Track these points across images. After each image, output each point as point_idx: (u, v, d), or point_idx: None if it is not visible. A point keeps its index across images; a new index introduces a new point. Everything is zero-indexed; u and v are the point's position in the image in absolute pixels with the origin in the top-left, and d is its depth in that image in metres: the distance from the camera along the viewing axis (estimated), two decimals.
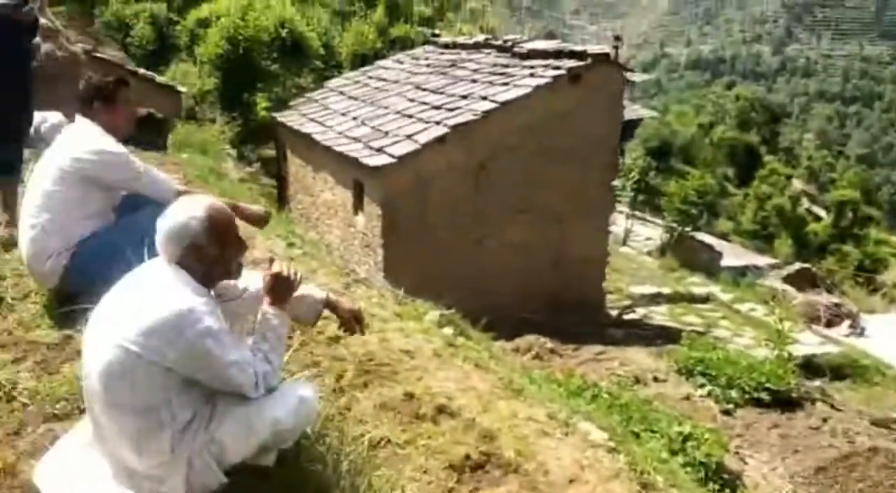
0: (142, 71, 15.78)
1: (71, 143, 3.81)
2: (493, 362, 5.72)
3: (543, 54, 10.99)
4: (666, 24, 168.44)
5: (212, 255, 2.43)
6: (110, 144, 3.82)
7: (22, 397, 2.96)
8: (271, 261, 2.68)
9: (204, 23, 22.17)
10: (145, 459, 2.31)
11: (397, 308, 6.47)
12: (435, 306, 6.90)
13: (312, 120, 12.49)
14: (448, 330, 6.43)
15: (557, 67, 10.21)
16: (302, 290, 2.84)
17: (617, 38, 16.86)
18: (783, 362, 8.13)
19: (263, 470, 2.56)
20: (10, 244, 4.63)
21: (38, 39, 11.56)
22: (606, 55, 10.34)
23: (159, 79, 16.06)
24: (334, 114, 12.40)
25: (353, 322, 2.97)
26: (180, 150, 12.97)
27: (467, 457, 3.88)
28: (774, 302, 12.63)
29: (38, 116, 9.09)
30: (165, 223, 2.47)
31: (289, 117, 13.44)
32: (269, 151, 16.11)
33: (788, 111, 79.80)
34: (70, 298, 3.83)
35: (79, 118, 3.95)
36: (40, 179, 3.81)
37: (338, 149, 10.47)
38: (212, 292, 2.51)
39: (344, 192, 10.87)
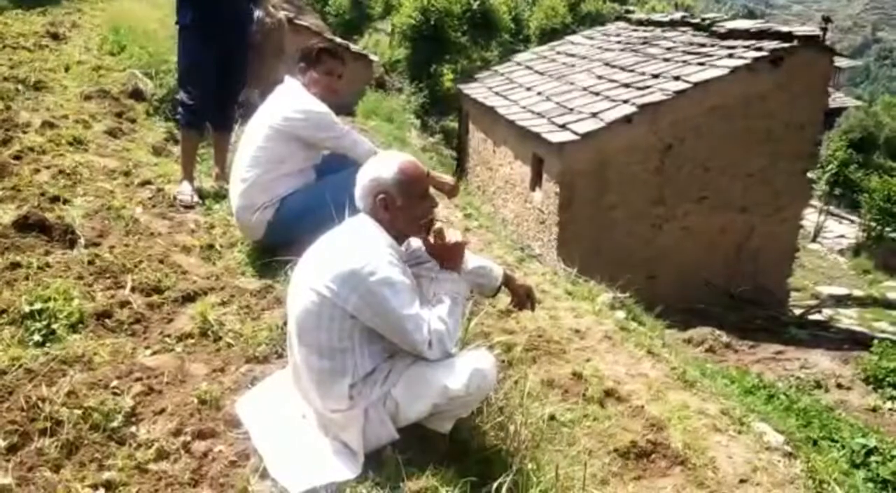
0: (338, 39, 16.42)
1: (280, 102, 4.02)
2: (665, 351, 5.55)
3: (745, 34, 10.40)
4: (881, 5, 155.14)
5: (399, 206, 2.51)
6: (316, 103, 3.99)
7: (227, 337, 3.15)
8: (438, 231, 2.68)
9: None
10: (328, 402, 2.45)
11: (570, 287, 6.41)
12: (608, 288, 6.78)
13: (497, 93, 12.51)
14: (620, 314, 6.30)
15: (759, 48, 9.64)
16: (481, 261, 2.94)
17: (826, 20, 15.74)
18: None
19: (439, 435, 2.60)
20: (221, 196, 5.01)
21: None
22: (814, 37, 9.63)
23: (353, 47, 16.66)
24: (519, 88, 12.36)
25: (525, 299, 3.02)
26: (368, 117, 13.45)
27: (633, 444, 3.80)
28: None
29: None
30: (361, 175, 2.60)
31: (474, 89, 13.52)
32: (452, 123, 16.37)
33: None
34: (271, 249, 4.09)
35: (288, 78, 4.15)
36: (252, 136, 4.06)
37: (520, 123, 10.43)
38: (403, 248, 2.59)
39: (523, 167, 10.85)
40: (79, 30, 10.31)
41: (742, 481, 3.88)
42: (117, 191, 4.64)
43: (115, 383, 2.69)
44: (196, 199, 4.84)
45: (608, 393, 4.31)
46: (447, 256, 2.68)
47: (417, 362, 2.47)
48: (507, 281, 2.98)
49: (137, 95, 6.93)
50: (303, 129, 3.94)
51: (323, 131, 3.98)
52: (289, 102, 3.97)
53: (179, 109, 5.24)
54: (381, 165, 2.57)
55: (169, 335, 3.10)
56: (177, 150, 5.48)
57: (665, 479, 3.71)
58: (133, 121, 6.42)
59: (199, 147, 5.36)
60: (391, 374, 2.47)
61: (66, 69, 7.53)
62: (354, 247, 2.45)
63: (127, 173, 5.02)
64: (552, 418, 3.64)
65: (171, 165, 5.39)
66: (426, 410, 2.45)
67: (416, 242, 2.77)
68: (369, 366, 2.46)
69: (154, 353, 2.99)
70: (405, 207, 2.53)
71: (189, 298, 3.42)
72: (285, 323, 3.10)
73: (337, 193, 3.69)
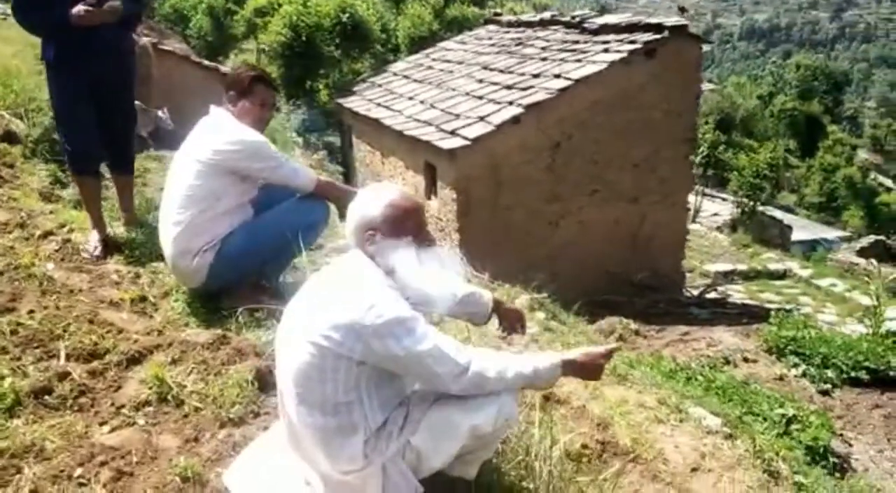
0: (206, 62, 15.90)
1: (209, 134, 3.74)
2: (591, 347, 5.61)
3: (616, 29, 10.71)
4: None
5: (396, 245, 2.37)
6: (250, 133, 3.75)
7: (192, 400, 2.89)
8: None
9: (262, 12, 22.33)
10: (339, 463, 2.25)
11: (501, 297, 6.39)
12: (524, 290, 6.80)
13: (379, 105, 12.42)
14: (541, 314, 6.33)
15: (633, 41, 9.94)
16: (471, 288, 2.81)
17: (682, 10, 16.45)
18: (881, 339, 7.83)
19: (463, 483, 2.48)
20: (138, 242, 4.70)
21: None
22: (684, 27, 10.02)
23: (223, 69, 16.18)
24: (401, 98, 12.30)
25: (516, 324, 2.93)
26: None
27: (584, 446, 3.77)
28: (869, 276, 12.14)
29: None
30: (351, 210, 2.44)
31: (354, 103, 13.38)
32: (334, 138, 16.16)
33: (850, 79, 77.33)
34: (212, 295, 3.80)
35: (213, 109, 3.89)
36: (179, 173, 3.76)
37: (409, 133, 10.37)
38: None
39: (415, 176, 10.79)
40: None
41: (694, 469, 3.93)
42: (18, 246, 4.22)
43: (78, 471, 2.39)
44: (100, 250, 4.45)
45: (547, 397, 4.27)
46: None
47: (436, 405, 2.31)
48: (497, 307, 2.88)
49: (11, 137, 6.39)
50: (239, 160, 3.68)
51: (261, 161, 3.73)
52: (220, 133, 3.71)
53: (65, 156, 4.83)
54: (369, 199, 2.41)
55: (123, 406, 2.80)
56: (66, 193, 5.12)
57: (621, 479, 3.70)
58: (11, 166, 5.91)
59: (100, 191, 4.93)
60: (407, 422, 2.30)
61: None
62: (351, 288, 2.26)
63: (23, 225, 4.56)
64: None
65: (68, 212, 4.99)
66: (452, 454, 2.29)
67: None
68: (380, 417, 2.29)
69: (113, 429, 2.69)
70: (391, 240, 2.38)
71: (134, 360, 3.11)
72: (255, 378, 2.88)
73: (281, 227, 3.50)
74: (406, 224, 2.39)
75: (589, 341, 6.03)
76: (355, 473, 2.25)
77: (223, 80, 12.71)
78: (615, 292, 10.13)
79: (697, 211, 19.77)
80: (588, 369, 2.47)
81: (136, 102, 10.37)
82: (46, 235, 4.56)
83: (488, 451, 2.45)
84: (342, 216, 3.04)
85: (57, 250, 4.27)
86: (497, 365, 2.32)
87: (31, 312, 3.44)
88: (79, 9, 4.22)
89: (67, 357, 3.14)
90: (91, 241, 4.51)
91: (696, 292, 11.56)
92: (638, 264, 10.46)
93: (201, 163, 3.65)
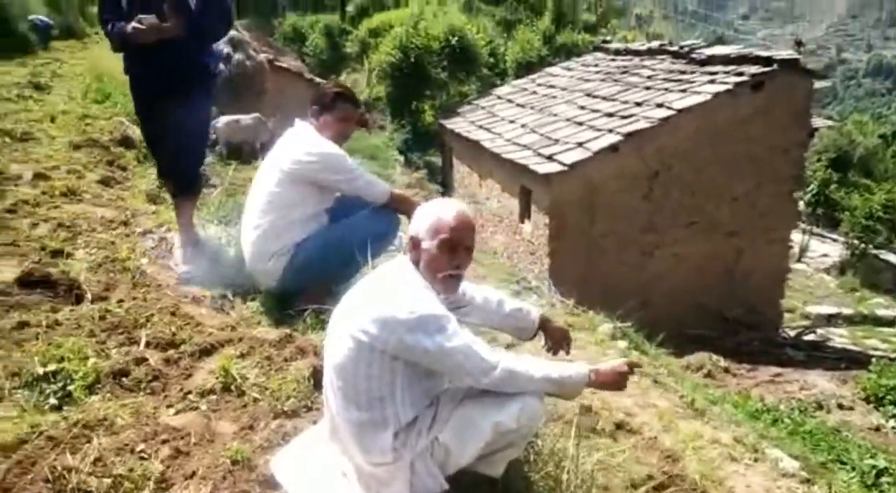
0: (317, 79, 16.50)
1: (291, 145, 3.96)
2: (671, 380, 5.52)
3: (724, 60, 10.54)
4: (844, 28, 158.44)
5: (424, 249, 2.48)
6: (330, 145, 3.95)
7: (252, 392, 3.05)
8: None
9: (375, 33, 22.96)
10: (370, 456, 2.36)
11: (569, 318, 6.38)
12: (608, 317, 6.76)
13: (480, 127, 12.58)
14: (622, 343, 6.27)
15: (740, 74, 9.76)
16: (518, 304, 2.93)
17: (798, 44, 16.00)
18: None
19: (491, 481, 2.55)
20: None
21: (228, 49, 12.29)
22: (794, 61, 9.78)
23: None
24: (502, 121, 12.43)
25: (561, 342, 3.01)
26: (351, 155, 13.45)
27: (650, 477, 3.73)
28: None
29: (227, 118, 9.70)
30: (412, 221, 2.58)
31: (456, 124, 13.59)
32: (435, 158, 16.41)
33: None
34: (286, 296, 4.01)
35: (298, 122, 4.11)
36: (262, 180, 4.00)
37: (506, 156, 10.48)
38: (441, 296, 2.53)
39: (511, 199, 10.87)
40: (61, 79, 10.29)
41: None
42: (119, 242, 4.55)
43: (141, 446, 2.58)
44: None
45: (619, 426, 4.24)
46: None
47: (463, 403, 2.40)
48: (544, 324, 2.96)
49: (126, 142, 6.86)
50: (317, 171, 3.88)
51: (337, 173, 3.93)
52: (301, 145, 3.92)
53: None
54: (422, 210, 2.55)
55: (190, 392, 3.00)
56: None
57: None
58: (124, 169, 6.35)
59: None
60: (436, 420, 2.40)
61: (52, 119, 7.48)
62: (389, 288, 2.41)
63: (126, 223, 4.91)
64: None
65: (169, 213, 5.24)
66: (478, 451, 2.37)
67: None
68: (411, 414, 2.39)
69: (178, 412, 2.89)
70: (429, 250, 2.49)
71: (206, 351, 3.31)
72: (311, 375, 3.04)
73: (352, 237, 3.66)
74: (444, 236, 2.48)
75: (671, 374, 5.94)
76: (385, 466, 2.35)
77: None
78: (707, 326, 9.92)
79: (804, 250, 19.03)
80: (613, 380, 2.53)
81: (256, 115, 10.93)
82: (146, 232, 4.88)
83: (515, 450, 2.51)
84: None
85: (153, 248, 4.58)
86: (526, 366, 2.41)
87: (121, 301, 3.72)
88: (131, 25, 4.21)
89: (147, 344, 3.37)
90: (176, 258, 4.63)
91: (793, 333, 11.15)
92: (733, 299, 10.21)
93: (282, 172, 3.86)
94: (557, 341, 2.99)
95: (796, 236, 19.07)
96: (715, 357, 8.72)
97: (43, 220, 4.70)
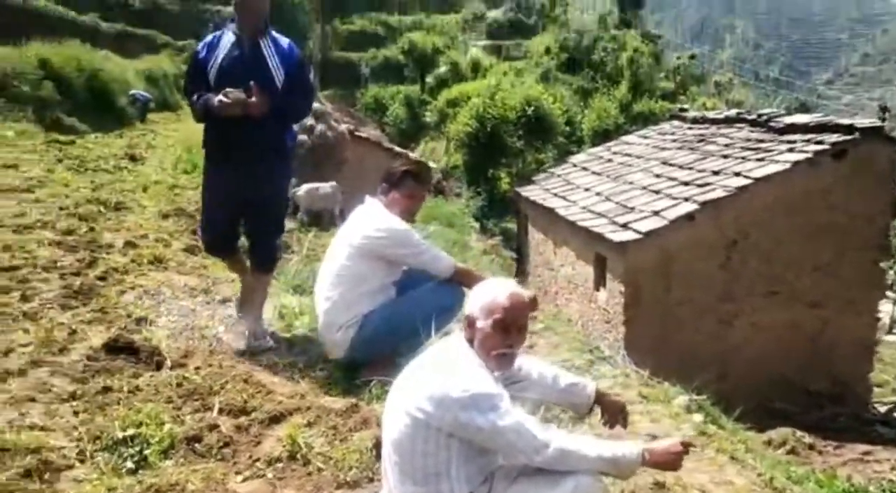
0: (396, 148, 16.95)
1: (361, 221, 4.16)
2: (749, 456, 5.35)
3: (803, 129, 10.41)
4: None
5: (478, 328, 2.54)
6: (395, 221, 4.12)
7: (317, 461, 3.14)
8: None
9: (453, 103, 23.56)
10: None
11: (643, 390, 6.28)
12: (683, 389, 6.61)
13: (556, 195, 12.65)
14: (698, 417, 6.11)
15: (820, 142, 9.62)
16: (574, 379, 2.97)
17: (883, 110, 15.68)
18: None
19: None
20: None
21: (311, 120, 12.79)
22: (879, 129, 9.58)
23: (412, 155, 17.15)
24: (578, 189, 12.48)
25: (617, 416, 3.02)
26: (428, 222, 13.72)
27: None
28: None
29: (307, 186, 10.05)
30: (469, 300, 2.65)
31: (532, 192, 13.70)
32: (511, 225, 16.55)
33: None
34: (354, 367, 4.14)
35: (368, 198, 4.31)
36: (333, 254, 4.20)
37: (581, 223, 10.49)
38: (496, 373, 2.58)
39: (585, 267, 10.84)
40: (154, 150, 10.88)
41: None
42: (199, 309, 4.76)
43: None
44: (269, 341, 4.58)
45: None
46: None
47: (517, 480, 2.43)
48: (600, 398, 2.98)
49: None
50: (385, 246, 4.06)
51: (404, 248, 4.10)
52: (370, 221, 4.11)
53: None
54: (479, 289, 2.64)
55: (258, 460, 3.11)
56: None
57: None
58: None
59: (239, 264, 5.00)
60: None
61: (144, 189, 7.91)
62: (445, 365, 2.48)
63: (206, 291, 5.15)
64: None
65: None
66: None
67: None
68: (466, 490, 2.43)
69: (245, 479, 2.99)
70: (483, 330, 2.55)
71: (275, 419, 3.44)
72: (374, 446, 3.10)
73: (418, 310, 3.78)
74: (498, 316, 2.52)
75: (749, 450, 5.75)
76: None
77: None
78: (789, 400, 9.57)
79: (895, 322, 18.28)
80: (667, 460, 2.51)
81: (333, 183, 11.28)
82: (224, 301, 5.06)
83: None
84: None
85: (230, 315, 4.75)
86: (579, 445, 2.42)
87: (198, 368, 3.90)
88: (218, 98, 4.33)
89: (220, 411, 3.52)
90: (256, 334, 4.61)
91: (883, 409, 10.65)
92: (817, 372, 9.84)
93: (352, 246, 4.04)
94: (614, 414, 3.00)
95: (886, 307, 18.34)
96: (799, 433, 8.38)
97: (130, 287, 4.97)
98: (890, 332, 17.56)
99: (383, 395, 3.79)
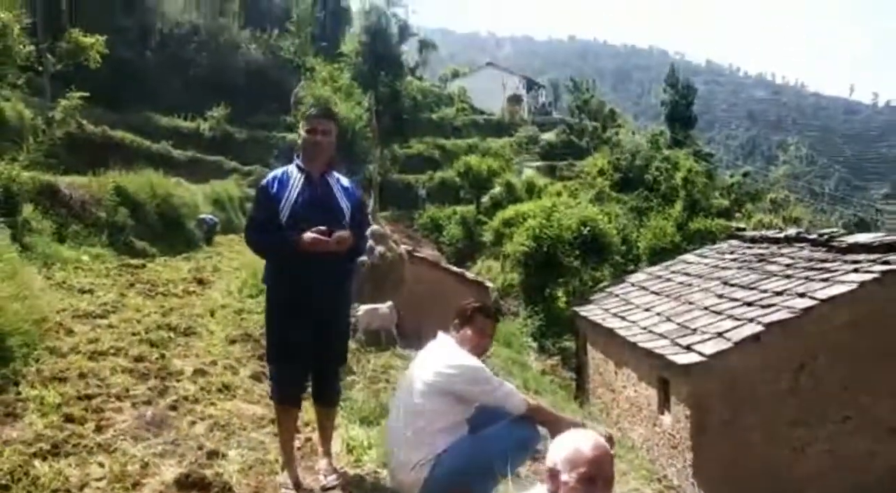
0: (453, 268, 17.11)
1: (433, 358, 4.20)
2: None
3: (868, 248, 10.26)
4: None
5: (563, 481, 2.51)
6: (467, 358, 4.15)
7: None
8: None
9: (509, 223, 23.89)
10: None
11: None
12: None
13: (615, 315, 12.55)
14: None
15: (886, 262, 9.46)
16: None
17: None
18: None
19: None
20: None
21: (371, 243, 13.12)
22: None
23: (468, 274, 17.27)
24: (637, 308, 12.37)
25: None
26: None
27: None
28: None
29: (366, 307, 10.23)
30: (550, 450, 2.69)
31: (590, 311, 13.62)
32: (569, 343, 16.39)
33: None
34: None
35: (440, 334, 4.37)
36: (406, 392, 4.22)
37: (643, 345, 10.35)
38: None
39: (648, 389, 10.61)
40: (220, 274, 11.17)
41: None
42: (268, 441, 4.76)
43: None
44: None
45: None
46: None
47: None
48: None
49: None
50: (457, 383, 4.07)
51: (477, 386, 4.10)
52: (443, 357, 4.15)
53: (272, 383, 4.71)
54: (562, 439, 2.63)
55: None
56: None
57: None
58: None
59: (297, 424, 4.83)
60: None
61: (212, 314, 8.08)
62: None
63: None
64: None
65: (312, 412, 5.18)
66: None
67: None
68: None
69: None
70: (567, 483, 2.52)
71: None
72: None
73: (492, 448, 3.75)
74: (582, 470, 2.50)
75: None
76: None
77: (467, 286, 13.57)
78: None
79: None
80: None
81: (389, 303, 11.46)
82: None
83: None
84: (553, 436, 3.23)
85: (298, 448, 4.66)
86: None
87: None
88: (309, 235, 4.29)
89: None
90: (288, 484, 4.35)
91: None
92: None
93: (425, 383, 4.06)
94: None
95: None
96: None
97: (200, 418, 5.00)
98: None
99: None
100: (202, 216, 18.95)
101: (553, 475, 2.54)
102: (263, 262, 4.77)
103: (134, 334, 6.87)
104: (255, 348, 6.88)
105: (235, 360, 6.46)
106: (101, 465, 4.08)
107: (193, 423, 4.83)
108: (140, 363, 6.00)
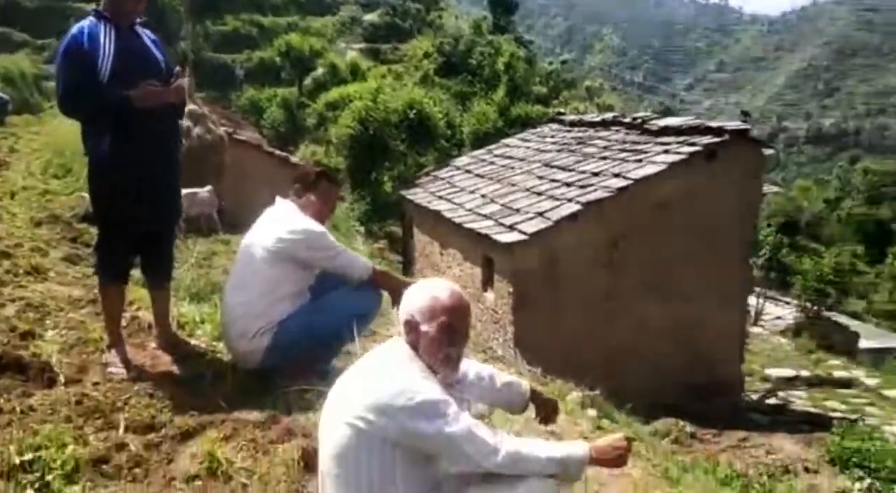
0: (277, 152, 16.58)
1: (273, 224, 3.96)
2: (643, 448, 5.52)
3: (677, 131, 10.87)
4: (783, 98, 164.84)
5: (422, 332, 2.46)
6: (311, 223, 3.96)
7: (239, 476, 2.94)
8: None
9: (333, 106, 23.33)
10: None
11: (538, 387, 6.38)
12: (577, 386, 6.76)
13: (441, 197, 12.70)
14: (592, 412, 6.27)
15: (692, 144, 10.06)
16: (509, 378, 2.93)
17: (745, 114, 16.58)
18: None
19: None
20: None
21: (188, 123, 12.35)
22: (745, 131, 10.13)
23: (293, 159, 16.82)
24: (462, 191, 12.58)
25: (551, 413, 3.03)
26: None
27: None
28: None
29: (185, 191, 9.73)
30: (402, 301, 2.55)
31: (416, 195, 13.71)
32: (396, 227, 16.53)
33: None
34: (266, 375, 3.93)
35: (279, 200, 4.13)
36: (244, 259, 3.99)
37: (468, 225, 10.57)
38: (440, 377, 2.50)
39: (473, 268, 10.92)
40: (18, 154, 10.20)
41: None
42: (89, 321, 4.42)
43: None
44: (125, 373, 3.89)
45: None
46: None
47: (468, 489, 2.36)
48: (534, 396, 2.97)
49: (89, 218, 6.68)
50: (300, 249, 3.88)
51: (320, 251, 3.93)
52: (284, 223, 3.93)
53: (98, 261, 4.26)
54: (416, 291, 2.54)
55: (174, 478, 2.89)
56: (137, 273, 4.67)
57: None
58: (89, 245, 6.20)
59: (124, 301, 4.41)
60: None
61: (12, 195, 7.38)
62: (386, 373, 2.37)
63: (94, 301, 4.70)
64: None
65: (139, 291, 4.95)
66: None
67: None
68: None
69: None
70: (427, 333, 2.47)
71: (188, 434, 3.20)
72: (301, 457, 2.96)
73: (335, 314, 3.65)
74: (440, 317, 2.47)
75: (641, 441, 5.93)
76: None
77: (291, 170, 13.19)
78: (672, 393, 9.94)
79: (759, 314, 19.39)
80: (613, 457, 2.46)
81: (209, 187, 10.96)
82: None
83: None
84: (395, 304, 3.18)
85: (125, 327, 4.38)
86: (529, 448, 2.37)
87: (97, 384, 3.60)
88: (142, 86, 3.81)
89: (126, 429, 3.24)
90: (115, 363, 3.98)
91: (755, 397, 11.25)
92: (696, 365, 10.27)
93: (266, 250, 3.85)
94: (547, 412, 3.01)
95: (752, 300, 19.43)
96: (681, 423, 8.73)
97: (10, 300, 4.55)
98: (755, 324, 18.58)
99: (303, 404, 3.64)
100: None
101: (412, 326, 2.47)
102: (69, 140, 4.25)
103: None
104: (65, 229, 6.36)
105: (44, 242, 5.94)
106: None
107: (2, 305, 4.39)
108: None
